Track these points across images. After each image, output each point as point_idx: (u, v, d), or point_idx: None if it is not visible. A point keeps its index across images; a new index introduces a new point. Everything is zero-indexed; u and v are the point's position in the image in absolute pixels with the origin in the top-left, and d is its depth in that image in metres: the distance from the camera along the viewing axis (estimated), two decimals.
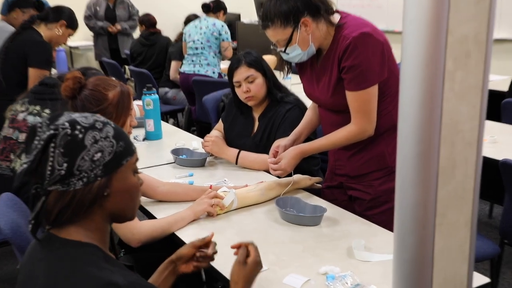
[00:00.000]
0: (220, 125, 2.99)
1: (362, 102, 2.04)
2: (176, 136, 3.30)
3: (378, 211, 2.16)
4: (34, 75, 3.35)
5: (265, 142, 2.67)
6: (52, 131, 1.15)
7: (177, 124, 5.72)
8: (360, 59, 1.98)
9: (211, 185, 2.25)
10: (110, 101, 2.05)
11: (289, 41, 2.04)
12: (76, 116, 1.22)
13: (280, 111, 2.68)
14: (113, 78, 2.15)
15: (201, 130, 5.08)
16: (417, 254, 1.33)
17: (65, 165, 1.15)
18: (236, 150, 2.62)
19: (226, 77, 4.88)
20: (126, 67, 6.58)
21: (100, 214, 1.22)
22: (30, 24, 3.50)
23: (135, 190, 1.29)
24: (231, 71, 2.76)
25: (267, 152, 2.45)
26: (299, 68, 2.29)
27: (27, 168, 1.15)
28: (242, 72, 2.69)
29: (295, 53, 2.08)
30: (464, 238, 1.38)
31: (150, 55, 5.90)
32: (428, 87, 1.22)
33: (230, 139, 2.86)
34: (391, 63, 2.07)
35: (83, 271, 1.13)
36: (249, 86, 2.67)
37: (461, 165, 1.30)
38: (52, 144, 1.15)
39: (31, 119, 2.66)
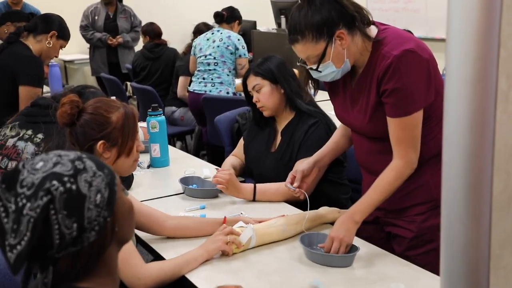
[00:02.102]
0: (239, 149, 3.03)
1: (407, 130, 1.99)
2: (184, 163, 3.31)
3: (422, 251, 2.12)
4: (25, 94, 3.40)
5: (287, 160, 2.70)
6: (45, 197, 1.12)
7: (185, 148, 5.74)
8: (403, 81, 1.94)
9: (225, 217, 2.24)
10: (114, 125, 2.07)
11: (322, 57, 2.00)
12: (52, 164, 1.19)
13: (303, 126, 2.71)
14: (114, 98, 2.17)
15: (213, 155, 5.09)
16: None
17: (75, 225, 1.15)
18: (251, 186, 2.60)
19: (240, 96, 4.94)
20: (128, 83, 6.61)
21: (114, 249, 1.27)
22: (17, 37, 3.55)
23: (132, 208, 1.33)
24: (244, 83, 2.87)
25: (286, 171, 2.46)
26: (330, 88, 2.27)
27: (26, 246, 1.11)
28: (251, 82, 2.81)
29: (328, 71, 2.03)
30: None
31: (155, 69, 5.93)
32: (477, 108, 1.21)
33: (251, 156, 2.93)
34: (438, 83, 2.02)
35: None
36: (258, 96, 2.76)
37: None
38: (52, 211, 1.13)
39: (21, 145, 2.69)
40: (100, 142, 2.03)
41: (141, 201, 2.35)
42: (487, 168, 1.25)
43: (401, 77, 1.94)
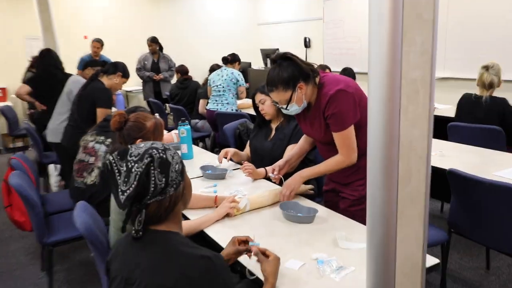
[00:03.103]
0: (247, 148, 3.06)
1: (344, 139, 2.06)
2: (203, 156, 3.32)
3: (359, 208, 2.16)
4: (100, 113, 3.43)
5: (278, 145, 2.78)
6: (148, 158, 1.19)
7: (204, 147, 5.74)
8: (337, 109, 2.01)
9: (216, 196, 2.24)
10: (148, 129, 2.10)
11: (289, 101, 2.03)
12: (147, 145, 1.25)
13: (291, 125, 2.79)
14: (157, 115, 2.19)
15: (221, 150, 5.11)
16: (383, 241, 1.35)
17: (163, 180, 1.21)
18: (263, 170, 2.61)
19: (240, 112, 4.95)
20: (167, 105, 6.63)
21: (180, 207, 1.30)
22: (96, 76, 3.59)
23: (190, 183, 1.38)
24: (252, 98, 2.95)
25: (279, 151, 2.68)
26: (296, 116, 2.29)
27: (134, 191, 1.17)
28: (258, 97, 2.87)
29: (294, 109, 2.07)
30: (418, 228, 1.40)
31: (184, 95, 5.93)
32: (389, 117, 1.25)
33: (255, 146, 2.97)
34: (362, 104, 2.06)
35: (181, 250, 1.20)
36: (263, 106, 2.83)
37: (415, 174, 1.33)
38: (152, 167, 1.19)
39: (97, 146, 2.71)
40: (138, 140, 2.06)
41: None
42: (395, 155, 1.29)
43: (335, 107, 2.01)
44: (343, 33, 7.50)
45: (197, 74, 7.04)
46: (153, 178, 1.19)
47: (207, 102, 5.28)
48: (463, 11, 5.63)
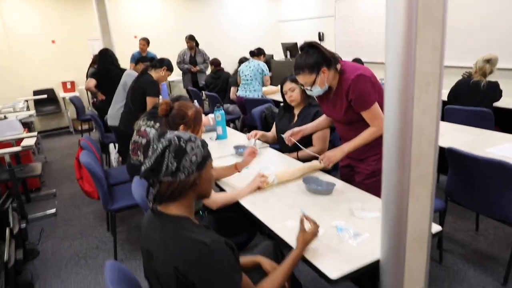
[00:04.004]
0: (273, 129, 2.97)
1: (373, 114, 1.98)
2: (235, 136, 3.27)
3: (373, 180, 2.11)
4: (149, 101, 3.41)
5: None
6: (166, 142, 1.17)
7: (235, 127, 5.70)
8: (359, 92, 1.94)
9: (235, 163, 2.20)
10: (190, 117, 2.06)
11: (313, 83, 1.97)
12: (179, 133, 1.23)
13: (312, 110, 2.68)
14: (190, 102, 2.15)
15: (249, 130, 5.06)
16: (397, 213, 1.30)
17: (175, 164, 1.17)
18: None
19: (265, 97, 4.88)
20: (203, 92, 6.61)
21: (191, 195, 1.23)
22: (146, 70, 3.56)
23: (212, 179, 1.30)
24: (281, 85, 2.81)
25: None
26: (318, 98, 2.22)
27: (150, 166, 1.17)
28: (287, 85, 2.75)
29: (317, 90, 2.01)
30: (426, 203, 1.33)
31: (217, 84, 5.86)
32: (403, 106, 1.17)
33: (280, 128, 2.87)
34: (377, 88, 1.98)
35: (182, 234, 1.15)
36: (292, 94, 2.71)
37: (425, 156, 1.26)
38: (167, 151, 1.16)
39: (148, 129, 2.70)
40: (181, 126, 2.03)
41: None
42: (408, 139, 1.22)
43: (357, 90, 1.93)
44: (352, 28, 7.24)
45: (227, 66, 6.97)
46: (166, 160, 1.16)
47: (237, 89, 5.21)
48: (453, 3, 5.33)
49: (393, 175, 1.25)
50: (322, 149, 2.57)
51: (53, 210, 3.69)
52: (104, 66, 4.69)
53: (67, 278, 2.68)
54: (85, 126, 6.72)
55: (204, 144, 1.25)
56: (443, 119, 3.52)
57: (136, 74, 3.86)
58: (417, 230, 1.33)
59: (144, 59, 4.14)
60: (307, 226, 1.46)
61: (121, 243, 3.07)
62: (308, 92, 2.05)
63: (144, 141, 2.70)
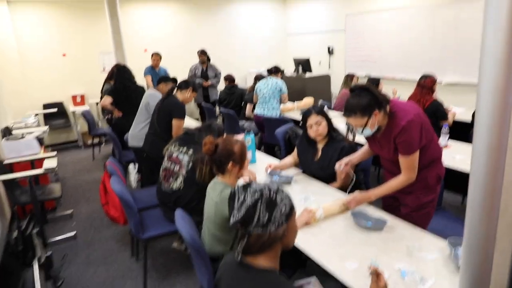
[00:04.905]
0: (294, 153, 2.89)
1: (409, 163, 1.98)
2: (260, 159, 3.22)
3: (422, 213, 2.10)
4: (176, 123, 3.39)
5: (326, 166, 2.59)
6: (258, 194, 1.17)
7: None
8: (406, 137, 1.92)
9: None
10: (237, 153, 2.02)
11: (364, 126, 1.94)
12: (265, 184, 1.21)
13: (337, 146, 2.59)
14: (232, 137, 2.11)
15: (267, 148, 5.05)
16: (480, 267, 1.24)
17: (267, 215, 1.16)
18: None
19: (283, 116, 4.85)
20: (216, 107, 6.58)
21: (279, 246, 1.21)
22: (172, 92, 3.54)
23: (297, 230, 1.28)
24: (305, 117, 2.68)
25: (327, 171, 2.51)
26: (366, 138, 2.19)
27: (241, 218, 1.16)
28: (313, 118, 2.63)
29: (367, 133, 1.99)
30: (508, 255, 1.27)
31: (232, 100, 5.85)
32: (498, 132, 1.10)
33: (302, 161, 2.80)
34: (426, 126, 1.97)
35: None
36: (318, 128, 2.61)
37: None
38: (259, 203, 1.16)
39: (180, 156, 2.66)
40: (230, 163, 1.99)
41: None
42: (498, 188, 1.15)
43: (406, 136, 1.92)
44: (363, 43, 7.26)
45: (236, 79, 6.97)
46: (258, 212, 1.15)
47: (253, 107, 5.18)
48: (469, 25, 5.35)
49: (478, 224, 1.21)
50: None
51: (72, 233, 3.62)
52: (122, 83, 4.66)
53: None
54: (95, 140, 6.65)
55: (288, 195, 1.23)
56: (466, 140, 3.50)
57: (159, 94, 3.82)
58: (498, 283, 1.29)
59: (166, 79, 4.11)
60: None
61: (147, 270, 3.01)
62: (358, 134, 2.03)
63: (177, 168, 2.65)
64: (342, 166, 2.34)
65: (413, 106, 2.00)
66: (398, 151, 2.00)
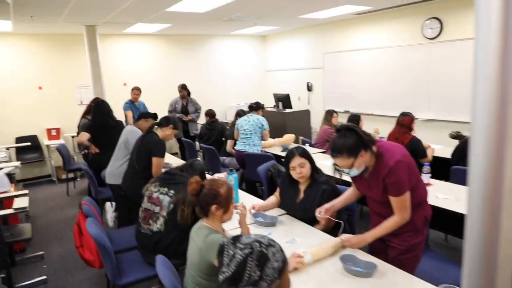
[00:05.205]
0: (277, 192, 2.85)
1: (401, 203, 1.98)
2: (243, 197, 3.15)
3: (409, 256, 2.08)
4: (155, 162, 3.30)
5: (308, 209, 2.52)
6: (248, 249, 1.09)
7: None
8: (396, 178, 1.93)
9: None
10: (223, 195, 1.97)
11: (351, 166, 1.95)
12: (256, 237, 1.15)
13: (319, 189, 2.53)
14: (219, 180, 2.06)
15: (248, 185, 5.00)
16: None
17: (258, 272, 1.08)
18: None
19: (264, 152, 4.84)
20: (197, 143, 6.52)
21: None
22: (152, 129, 3.48)
23: (290, 283, 1.22)
24: (288, 159, 2.63)
25: (309, 214, 2.43)
26: (352, 178, 2.19)
27: (231, 275, 1.08)
28: (296, 160, 2.58)
29: (353, 173, 1.99)
30: None
31: (212, 135, 5.82)
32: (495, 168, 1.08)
33: (284, 201, 2.75)
34: (412, 167, 1.99)
35: None
36: (301, 170, 2.57)
37: None
38: (250, 258, 1.08)
39: (161, 197, 2.57)
40: (214, 205, 1.93)
41: None
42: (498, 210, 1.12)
43: (394, 176, 1.93)
44: (340, 80, 7.46)
45: (220, 116, 6.97)
46: (248, 269, 1.08)
47: (235, 143, 5.15)
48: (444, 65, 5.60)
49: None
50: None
51: (43, 277, 3.39)
52: (100, 118, 4.56)
53: None
54: (70, 175, 6.42)
55: (280, 248, 1.17)
56: (447, 180, 3.55)
57: (139, 131, 3.75)
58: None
59: (146, 115, 4.05)
60: None
61: None
62: (345, 175, 2.03)
63: (157, 209, 2.55)
64: (322, 213, 2.31)
65: (399, 147, 2.02)
66: (387, 192, 1.99)
